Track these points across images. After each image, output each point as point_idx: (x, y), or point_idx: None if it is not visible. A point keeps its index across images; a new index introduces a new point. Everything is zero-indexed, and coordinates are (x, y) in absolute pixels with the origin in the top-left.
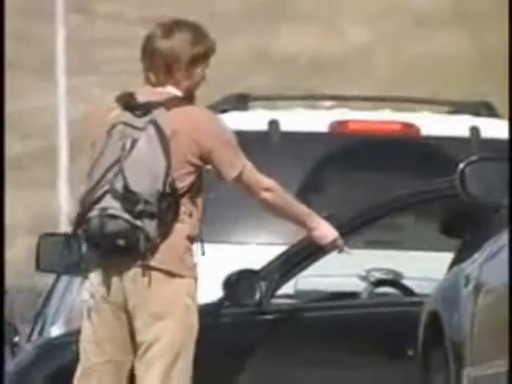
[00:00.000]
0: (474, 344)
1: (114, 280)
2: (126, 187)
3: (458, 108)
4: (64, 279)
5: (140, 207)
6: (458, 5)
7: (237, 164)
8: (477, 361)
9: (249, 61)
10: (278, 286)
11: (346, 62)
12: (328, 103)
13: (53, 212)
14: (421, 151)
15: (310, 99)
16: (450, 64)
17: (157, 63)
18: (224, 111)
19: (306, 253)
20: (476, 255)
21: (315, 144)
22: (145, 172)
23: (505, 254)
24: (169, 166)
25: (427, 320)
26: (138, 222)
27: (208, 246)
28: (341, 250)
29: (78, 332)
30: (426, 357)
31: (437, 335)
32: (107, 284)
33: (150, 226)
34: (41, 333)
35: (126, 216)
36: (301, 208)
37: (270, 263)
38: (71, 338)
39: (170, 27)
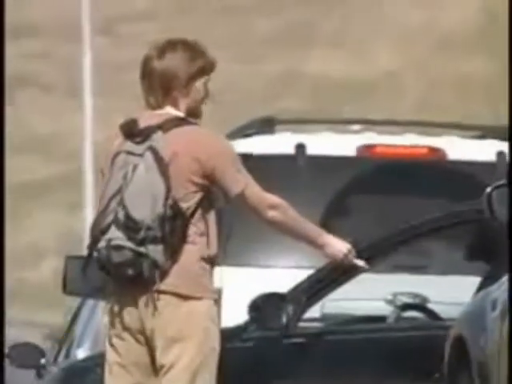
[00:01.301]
0: (499, 368)
1: (130, 307)
2: (126, 216)
3: (484, 133)
4: (90, 302)
5: (142, 234)
6: (486, 27)
7: (239, 180)
8: None
9: (279, 83)
10: (304, 310)
11: (374, 86)
12: (355, 127)
13: (79, 234)
14: (447, 175)
15: (337, 123)
16: (478, 87)
17: (154, 84)
18: (251, 135)
19: (332, 276)
20: (503, 279)
21: (342, 168)
22: (145, 198)
23: None
24: (168, 190)
25: (453, 344)
26: (142, 249)
27: (234, 270)
28: (358, 268)
29: (103, 355)
30: (452, 380)
31: (463, 359)
32: (124, 311)
33: (155, 251)
34: (67, 355)
35: (130, 245)
36: (310, 226)
37: (297, 286)
38: (97, 361)
39: (165, 47)
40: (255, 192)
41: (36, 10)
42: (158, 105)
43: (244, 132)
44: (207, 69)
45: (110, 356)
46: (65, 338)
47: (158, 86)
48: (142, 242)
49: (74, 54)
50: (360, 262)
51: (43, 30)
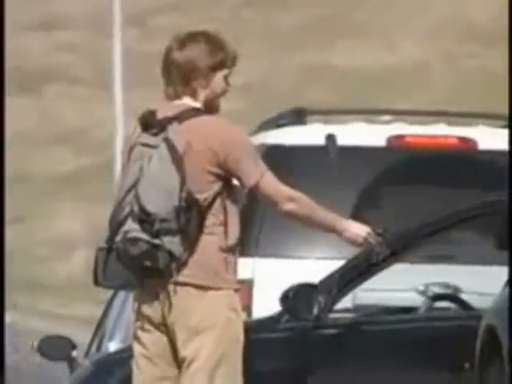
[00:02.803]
0: None
1: (151, 299)
2: (140, 208)
3: None
4: (121, 294)
5: (157, 226)
6: None
7: (255, 172)
8: None
9: (307, 74)
10: (336, 300)
11: (403, 76)
12: (385, 117)
13: None
14: (478, 165)
15: (367, 113)
16: (505, 78)
17: (174, 75)
18: (282, 126)
19: (364, 267)
20: None
21: (372, 158)
22: (159, 190)
23: None
24: (182, 181)
25: (484, 334)
26: (158, 241)
27: (266, 261)
28: (377, 248)
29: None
30: (483, 370)
31: (494, 349)
32: (146, 304)
33: (171, 243)
34: (98, 348)
35: (145, 237)
36: (327, 214)
37: (329, 277)
38: (129, 353)
39: (185, 39)
40: (271, 184)
41: (66, 2)
42: (176, 95)
43: (275, 123)
44: (228, 62)
45: (136, 349)
46: (96, 331)
47: (177, 76)
48: (157, 234)
49: (105, 46)
50: (378, 247)
51: (73, 22)
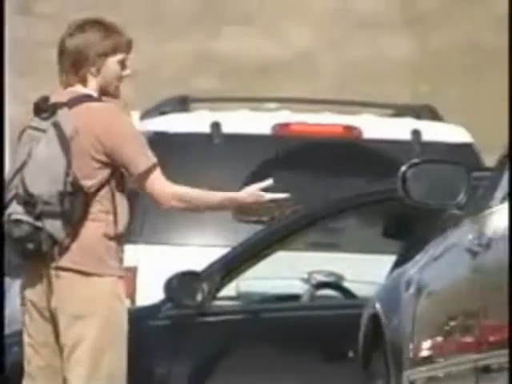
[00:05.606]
0: (413, 347)
1: (36, 284)
2: (24, 190)
3: (400, 111)
4: (6, 280)
5: (39, 209)
6: (402, 8)
7: (140, 161)
8: (416, 364)
9: (192, 62)
10: (219, 288)
11: (289, 65)
12: (271, 105)
13: None
14: (363, 154)
15: (253, 101)
16: (393, 67)
17: (65, 63)
18: (165, 113)
19: (247, 255)
20: (417, 258)
21: (257, 146)
22: (44, 173)
23: (447, 257)
24: (68, 166)
25: (368, 323)
26: (39, 224)
27: (149, 248)
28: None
29: (19, 334)
30: (366, 359)
31: (377, 338)
32: (31, 288)
33: (53, 226)
34: None
35: (28, 219)
36: (215, 197)
37: (212, 265)
38: (12, 340)
39: (77, 26)
40: (156, 180)
41: None
42: (68, 83)
43: (159, 110)
44: (120, 48)
45: (24, 338)
46: None
47: (67, 64)
48: (39, 217)
49: None
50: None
51: None
